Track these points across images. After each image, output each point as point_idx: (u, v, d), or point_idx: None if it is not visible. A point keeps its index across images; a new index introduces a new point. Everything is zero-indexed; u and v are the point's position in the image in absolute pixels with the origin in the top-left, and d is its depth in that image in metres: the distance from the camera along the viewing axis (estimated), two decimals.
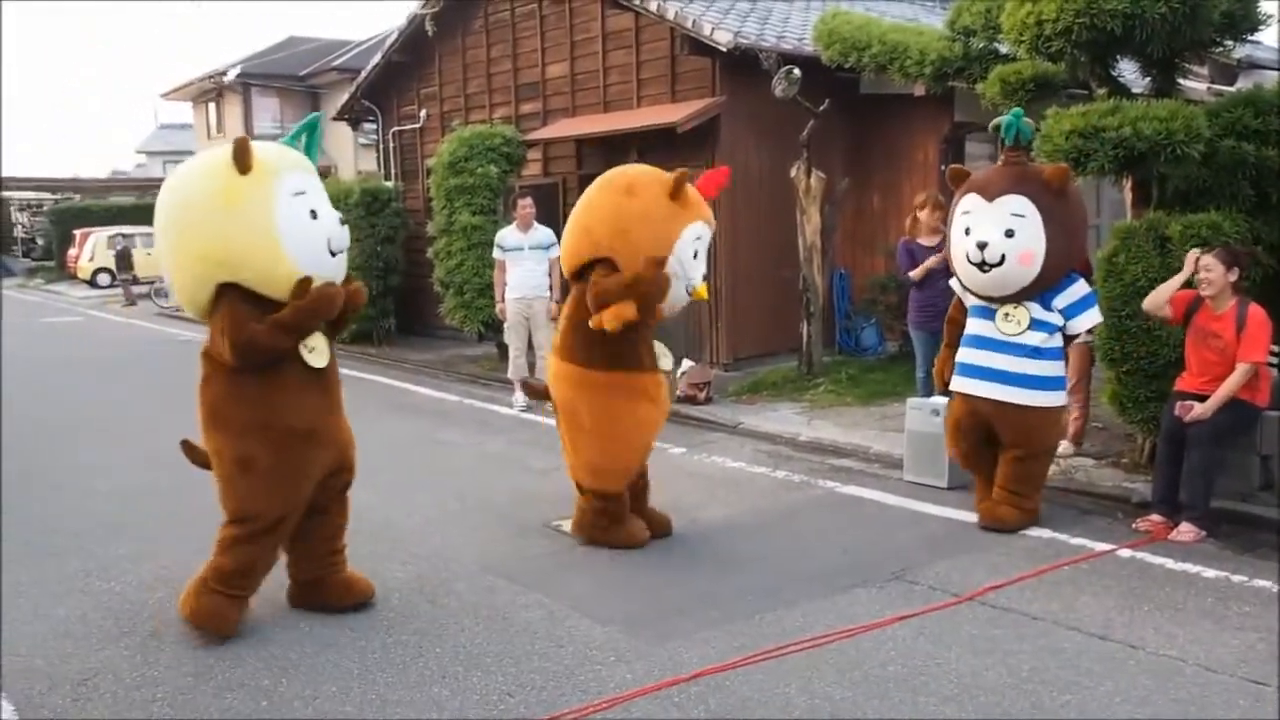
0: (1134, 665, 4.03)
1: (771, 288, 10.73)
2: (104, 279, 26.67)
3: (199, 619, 4.38)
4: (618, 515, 5.46)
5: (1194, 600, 4.65)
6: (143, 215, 30.74)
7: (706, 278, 5.44)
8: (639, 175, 5.40)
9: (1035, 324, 5.56)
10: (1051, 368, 5.59)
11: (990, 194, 5.53)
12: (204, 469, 4.58)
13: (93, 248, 27.47)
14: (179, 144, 48.35)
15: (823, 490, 6.72)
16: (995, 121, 5.70)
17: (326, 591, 4.67)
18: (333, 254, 4.31)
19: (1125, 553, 5.28)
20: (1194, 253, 5.58)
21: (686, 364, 9.44)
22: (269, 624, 4.54)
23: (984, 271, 5.50)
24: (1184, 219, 6.03)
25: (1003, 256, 5.42)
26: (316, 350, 4.38)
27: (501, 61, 13.23)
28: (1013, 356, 5.57)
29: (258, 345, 4.16)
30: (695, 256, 5.26)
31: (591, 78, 11.98)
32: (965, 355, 5.80)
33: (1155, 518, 5.61)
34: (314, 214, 4.25)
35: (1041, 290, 5.52)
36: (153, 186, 38.88)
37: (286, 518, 4.39)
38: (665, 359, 5.51)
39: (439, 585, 4.98)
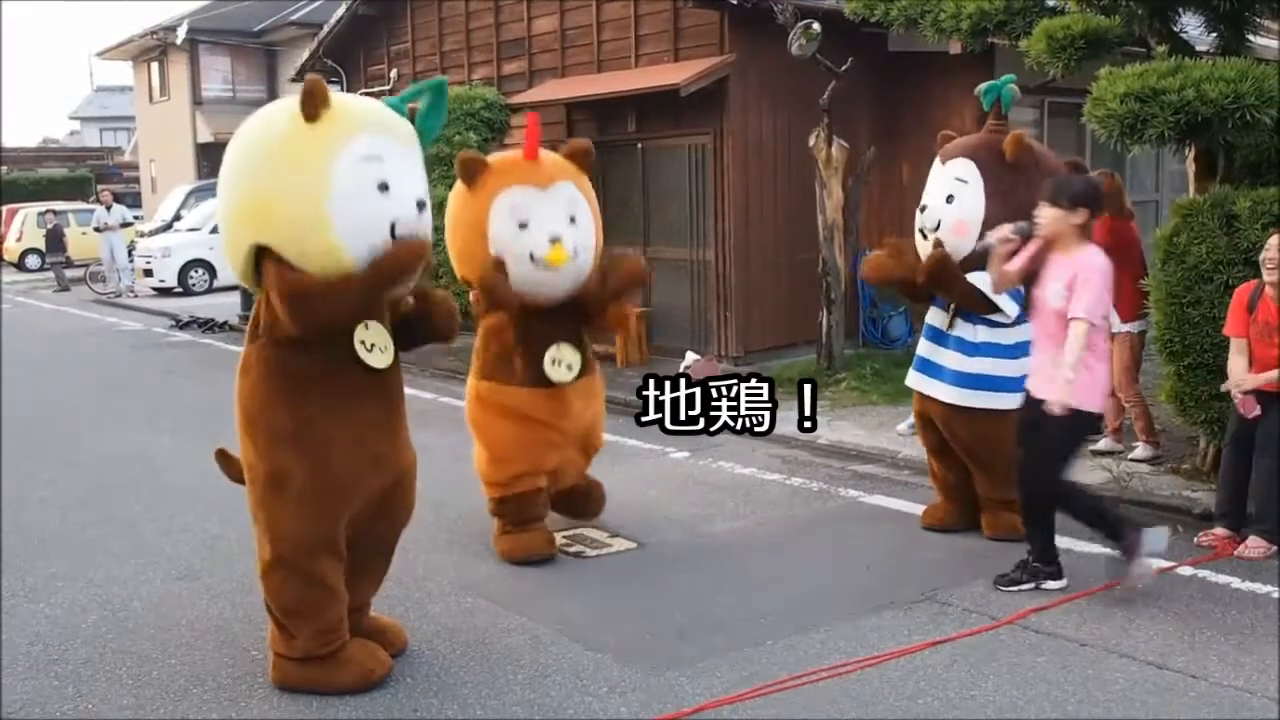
0: (1195, 698, 4.03)
1: (787, 272, 10.73)
2: (33, 261, 26.63)
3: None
4: (507, 524, 5.65)
5: (1263, 624, 4.65)
6: (76, 188, 30.81)
7: (556, 239, 5.25)
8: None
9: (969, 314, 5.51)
10: (1010, 366, 5.41)
11: (945, 156, 5.65)
12: (242, 485, 4.33)
13: (20, 226, 27.42)
14: (117, 108, 48.37)
15: (844, 500, 6.73)
16: (980, 87, 5.78)
17: None
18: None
19: (1186, 570, 5.29)
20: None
21: (691, 357, 9.46)
22: (215, 653, 4.54)
23: (925, 239, 5.59)
24: (1254, 194, 6.02)
25: (939, 223, 5.48)
26: (377, 349, 4.12)
27: (482, 15, 13.21)
28: (960, 354, 5.54)
29: (311, 297, 3.87)
30: (524, 227, 5.28)
31: (584, 34, 11.95)
32: (919, 348, 5.86)
33: (1220, 531, 5.61)
34: (384, 187, 3.94)
35: (977, 270, 5.34)
36: (88, 156, 39.05)
37: (329, 543, 4.11)
38: (557, 368, 5.45)
39: (411, 606, 4.98)
